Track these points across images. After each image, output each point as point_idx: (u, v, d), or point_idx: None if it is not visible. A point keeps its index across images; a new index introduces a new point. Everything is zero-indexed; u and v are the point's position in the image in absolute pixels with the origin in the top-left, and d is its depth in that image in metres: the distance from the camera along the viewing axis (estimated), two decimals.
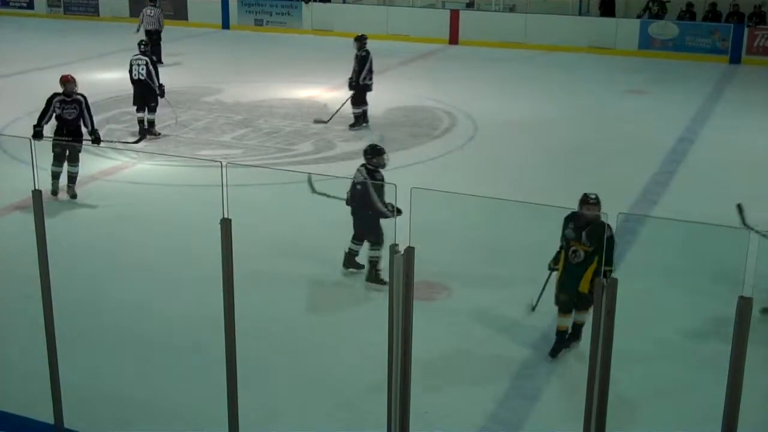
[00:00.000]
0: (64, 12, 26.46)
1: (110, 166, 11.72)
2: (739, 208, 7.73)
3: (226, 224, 4.60)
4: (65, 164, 10.19)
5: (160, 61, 17.16)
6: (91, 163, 11.82)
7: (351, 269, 8.22)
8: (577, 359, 6.65)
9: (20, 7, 27.02)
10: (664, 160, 12.31)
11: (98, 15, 26.05)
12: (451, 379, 6.39)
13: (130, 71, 13.00)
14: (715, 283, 7.49)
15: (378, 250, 7.88)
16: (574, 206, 6.62)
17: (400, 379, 4.39)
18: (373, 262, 7.98)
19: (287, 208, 9.87)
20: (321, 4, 24.00)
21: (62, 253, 8.21)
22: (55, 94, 10.24)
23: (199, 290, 7.70)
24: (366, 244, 8.05)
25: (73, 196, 10.23)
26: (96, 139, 10.44)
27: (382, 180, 7.94)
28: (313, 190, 8.20)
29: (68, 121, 10.22)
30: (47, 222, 5.10)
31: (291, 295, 7.87)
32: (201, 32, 23.95)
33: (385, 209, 7.69)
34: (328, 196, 8.16)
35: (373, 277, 7.96)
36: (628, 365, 5.82)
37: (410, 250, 4.21)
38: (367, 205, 7.81)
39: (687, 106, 15.46)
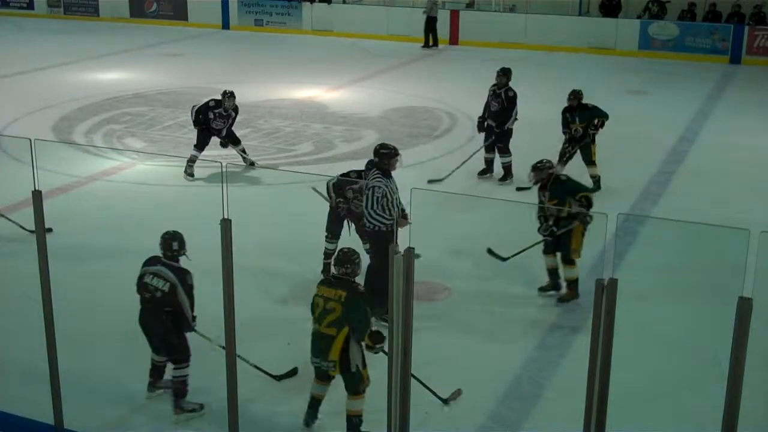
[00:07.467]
0: (64, 12, 26.44)
1: (110, 167, 11.72)
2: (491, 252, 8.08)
3: (226, 224, 4.60)
4: None
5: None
6: (91, 163, 11.85)
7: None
8: (578, 359, 6.64)
9: (20, 8, 27.01)
10: (664, 160, 12.31)
11: (98, 15, 26.04)
12: (451, 378, 6.38)
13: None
14: (715, 283, 7.48)
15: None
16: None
17: (400, 378, 4.39)
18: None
19: (288, 208, 9.87)
20: (321, 4, 23.98)
21: (62, 253, 8.22)
22: None
23: (199, 290, 7.69)
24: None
25: None
26: None
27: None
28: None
29: None
30: (47, 222, 5.10)
31: (291, 294, 7.86)
32: (201, 32, 23.94)
33: None
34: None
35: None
36: (628, 365, 5.81)
37: (410, 250, 4.20)
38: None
39: (687, 107, 15.45)
